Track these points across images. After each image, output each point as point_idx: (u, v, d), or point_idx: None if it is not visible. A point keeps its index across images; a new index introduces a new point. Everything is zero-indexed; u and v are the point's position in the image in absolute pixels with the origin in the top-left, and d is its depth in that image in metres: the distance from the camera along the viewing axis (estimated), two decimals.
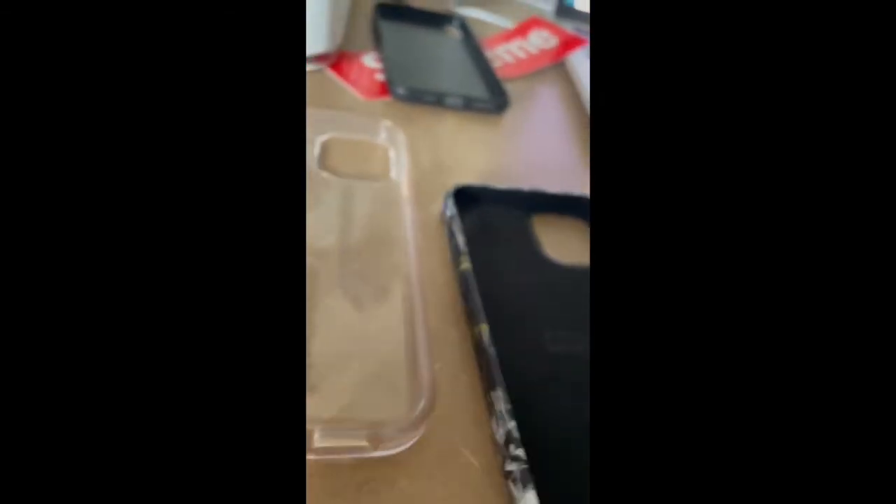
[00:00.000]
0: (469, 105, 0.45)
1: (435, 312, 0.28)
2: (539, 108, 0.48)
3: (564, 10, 0.64)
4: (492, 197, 0.34)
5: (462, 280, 0.29)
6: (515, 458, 0.21)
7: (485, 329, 0.25)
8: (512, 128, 0.45)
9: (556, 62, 0.55)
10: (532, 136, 0.44)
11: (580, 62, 0.54)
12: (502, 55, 0.54)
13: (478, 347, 0.26)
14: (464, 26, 0.56)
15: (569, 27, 0.62)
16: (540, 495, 0.20)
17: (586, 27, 0.63)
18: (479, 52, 0.52)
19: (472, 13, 0.62)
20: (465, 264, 0.29)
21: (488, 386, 0.24)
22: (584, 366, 0.26)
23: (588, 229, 0.35)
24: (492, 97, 0.46)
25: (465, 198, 0.33)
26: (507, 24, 0.61)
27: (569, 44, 0.56)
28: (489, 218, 0.33)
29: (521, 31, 0.58)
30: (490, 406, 0.24)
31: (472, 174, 0.38)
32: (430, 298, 0.28)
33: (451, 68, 0.50)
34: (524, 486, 0.20)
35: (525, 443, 0.21)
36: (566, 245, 0.33)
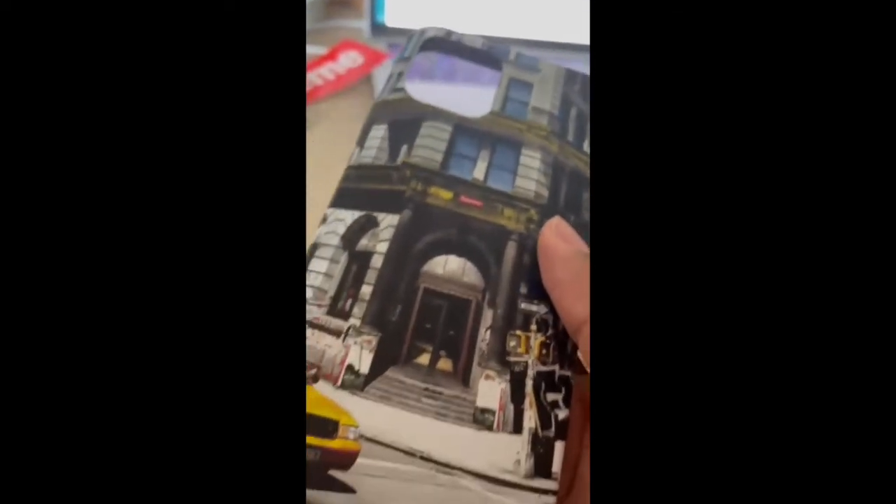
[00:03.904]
0: None
1: None
2: (343, 120, 0.54)
3: (378, 29, 0.70)
4: None
5: None
6: None
7: None
8: (320, 142, 0.50)
9: (362, 78, 0.61)
10: (338, 149, 0.50)
11: (381, 73, 0.60)
12: (313, 80, 0.60)
13: None
14: None
15: (382, 45, 0.68)
16: None
17: (399, 41, 0.69)
18: None
19: None
20: None
21: None
22: None
23: None
24: None
25: None
26: (322, 51, 0.66)
27: (373, 60, 0.62)
28: None
29: (332, 55, 0.64)
30: None
31: None
32: None
33: None
34: None
35: None
36: None
